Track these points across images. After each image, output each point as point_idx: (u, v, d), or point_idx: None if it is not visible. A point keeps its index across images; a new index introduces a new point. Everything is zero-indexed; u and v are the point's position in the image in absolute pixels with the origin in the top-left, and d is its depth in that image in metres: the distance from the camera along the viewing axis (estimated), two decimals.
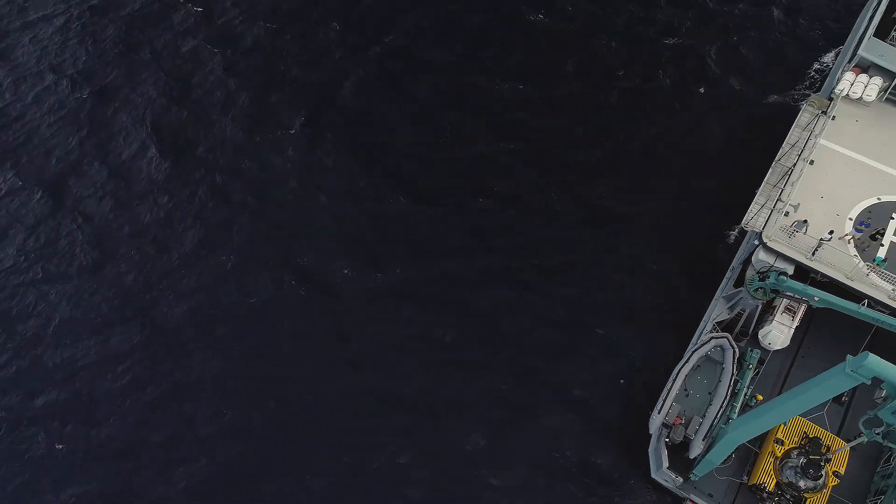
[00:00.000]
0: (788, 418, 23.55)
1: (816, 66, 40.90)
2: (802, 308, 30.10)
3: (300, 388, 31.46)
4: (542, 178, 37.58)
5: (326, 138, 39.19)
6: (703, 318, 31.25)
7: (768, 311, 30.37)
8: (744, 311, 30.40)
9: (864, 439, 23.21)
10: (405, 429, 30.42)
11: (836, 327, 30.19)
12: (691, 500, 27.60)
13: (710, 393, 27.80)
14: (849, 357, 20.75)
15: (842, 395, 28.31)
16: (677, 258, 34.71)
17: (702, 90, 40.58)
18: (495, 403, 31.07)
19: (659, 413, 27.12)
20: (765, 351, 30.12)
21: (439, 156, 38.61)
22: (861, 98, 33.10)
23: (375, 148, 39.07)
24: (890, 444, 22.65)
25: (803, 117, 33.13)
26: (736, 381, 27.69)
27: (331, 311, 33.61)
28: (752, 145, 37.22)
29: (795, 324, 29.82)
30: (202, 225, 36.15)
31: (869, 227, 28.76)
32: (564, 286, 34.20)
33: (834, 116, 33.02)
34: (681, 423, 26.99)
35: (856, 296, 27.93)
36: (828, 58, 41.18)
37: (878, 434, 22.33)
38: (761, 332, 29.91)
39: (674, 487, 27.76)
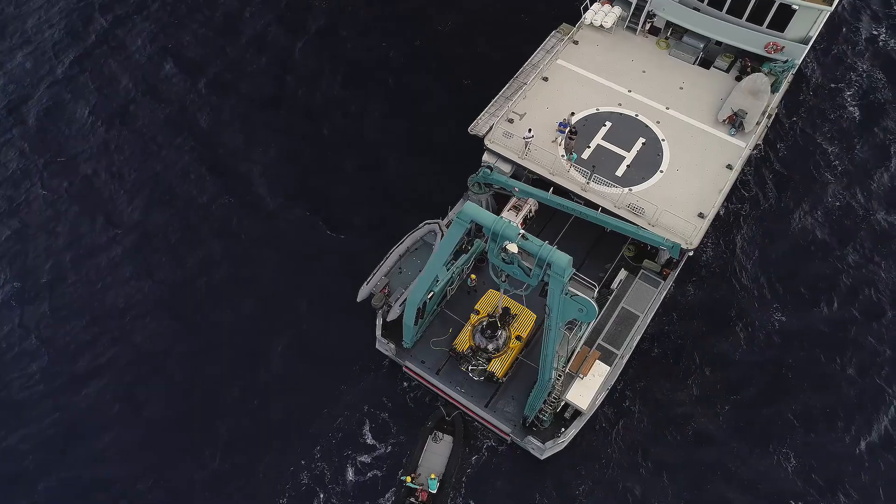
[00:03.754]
0: (434, 274, 26.85)
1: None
2: (527, 206, 33.90)
3: None
4: None
5: None
6: (448, 215, 34.63)
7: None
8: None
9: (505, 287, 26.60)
10: None
11: (569, 228, 34.00)
12: (406, 366, 31.23)
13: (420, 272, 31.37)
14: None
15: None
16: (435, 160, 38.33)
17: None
18: None
19: (367, 285, 30.74)
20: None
21: None
22: (601, 25, 36.79)
23: None
24: (514, 291, 26.23)
25: (550, 42, 36.84)
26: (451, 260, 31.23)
27: None
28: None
29: (519, 219, 33.58)
30: None
31: (566, 127, 32.35)
32: None
33: (577, 41, 36.75)
34: (384, 293, 30.63)
35: (563, 191, 31.84)
36: None
37: (504, 282, 25.86)
38: None
39: (392, 355, 31.41)
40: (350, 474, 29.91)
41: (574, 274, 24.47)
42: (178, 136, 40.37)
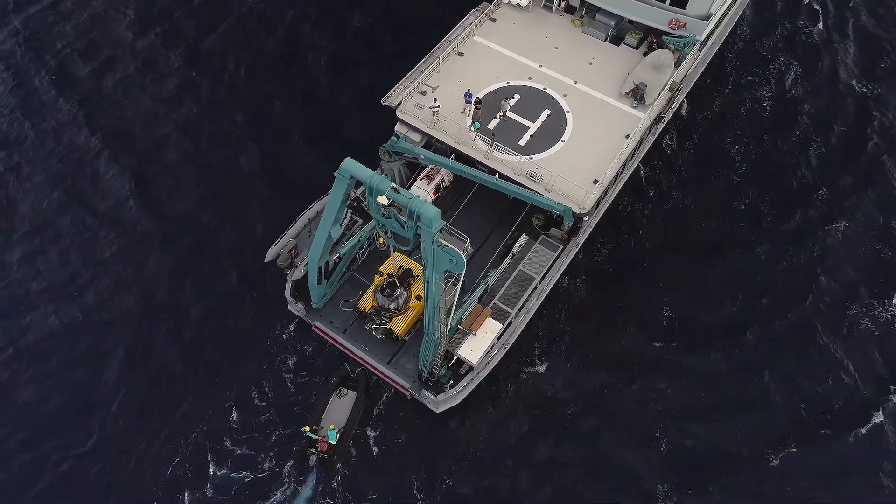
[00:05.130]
0: (326, 232, 28.06)
1: None
2: (439, 175, 35.23)
3: None
4: None
5: None
6: None
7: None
8: (389, 176, 35.34)
9: (391, 243, 27.89)
10: None
11: (485, 201, 35.27)
12: (315, 326, 32.53)
13: None
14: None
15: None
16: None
17: None
18: None
19: (275, 246, 32.04)
20: None
21: None
22: (518, 4, 38.10)
23: None
24: (400, 247, 27.53)
25: (468, 19, 38.12)
26: (354, 223, 32.58)
27: None
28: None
29: (431, 188, 34.95)
30: None
31: (471, 97, 33.64)
32: None
33: (494, 19, 38.08)
34: (291, 255, 31.95)
35: (468, 160, 33.15)
36: None
37: (390, 238, 27.17)
38: None
39: (303, 315, 32.71)
40: (258, 427, 31.22)
41: (446, 226, 25.66)
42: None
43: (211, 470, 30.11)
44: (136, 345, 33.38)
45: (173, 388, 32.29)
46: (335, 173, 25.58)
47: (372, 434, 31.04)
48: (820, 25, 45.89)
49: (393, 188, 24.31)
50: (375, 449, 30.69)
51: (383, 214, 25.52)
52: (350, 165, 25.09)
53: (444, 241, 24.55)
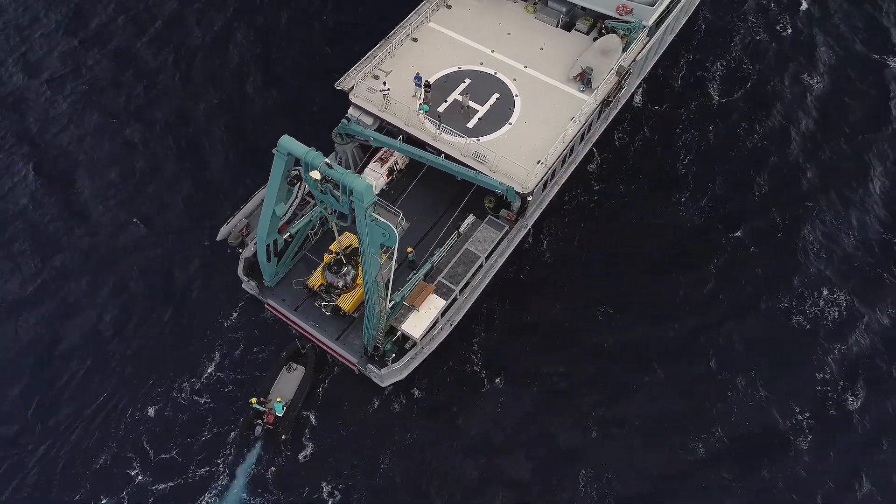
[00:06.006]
0: (269, 211, 28.85)
1: None
2: (393, 158, 36.05)
3: None
4: None
5: None
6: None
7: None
8: (342, 158, 36.19)
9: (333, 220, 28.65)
10: None
11: (439, 184, 36.02)
12: (268, 304, 33.39)
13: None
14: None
15: None
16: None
17: None
18: None
19: (227, 225, 32.87)
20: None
21: None
22: None
23: None
24: (341, 223, 28.30)
25: (424, 7, 38.86)
26: (307, 203, 33.36)
27: None
28: None
29: (384, 170, 35.79)
30: None
31: (421, 80, 34.42)
32: None
33: (450, 6, 38.88)
34: (242, 233, 32.80)
35: (419, 143, 33.97)
36: None
37: (332, 215, 27.92)
38: (363, 177, 35.70)
39: (256, 293, 33.55)
40: (209, 400, 32.02)
41: (378, 200, 26.47)
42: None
43: (157, 439, 31.03)
44: (94, 329, 34.34)
45: (132, 355, 33.40)
46: (273, 150, 26.40)
47: (318, 408, 31.86)
48: (778, 16, 46.43)
49: (326, 163, 25.14)
50: (321, 423, 31.49)
51: (321, 191, 26.37)
52: (287, 142, 25.91)
53: (376, 216, 25.37)
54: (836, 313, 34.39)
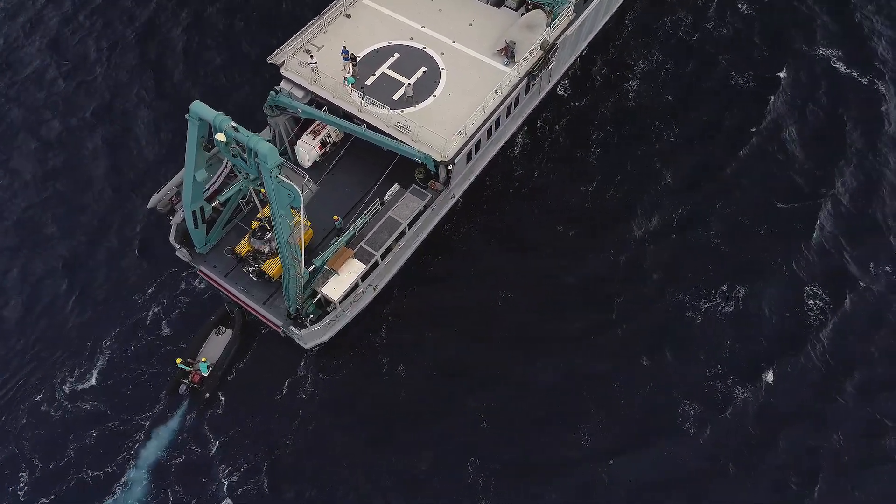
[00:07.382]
0: (190, 177, 29.76)
1: None
2: (325, 131, 37.09)
3: None
4: None
5: None
6: None
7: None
8: (275, 130, 37.23)
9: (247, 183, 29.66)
10: None
11: (371, 156, 37.02)
12: (200, 270, 34.49)
13: None
14: None
15: None
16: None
17: None
18: None
19: (158, 193, 33.94)
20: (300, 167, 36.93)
21: None
22: None
23: None
24: (255, 186, 29.38)
25: None
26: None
27: None
28: None
29: (317, 142, 36.84)
30: None
31: (347, 53, 35.48)
32: None
33: None
34: (171, 201, 33.90)
35: (346, 115, 35.02)
36: None
37: (246, 178, 29.03)
38: (296, 149, 36.90)
39: (188, 260, 34.65)
40: (140, 363, 33.27)
41: (284, 162, 27.51)
42: None
43: (92, 393, 32.49)
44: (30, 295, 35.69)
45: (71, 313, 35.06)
46: (186, 115, 27.46)
47: (246, 367, 33.07)
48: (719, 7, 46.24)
49: (232, 126, 26.19)
50: (244, 383, 32.72)
51: (233, 154, 27.46)
52: (197, 107, 26.95)
53: (282, 177, 26.44)
54: (732, 307, 34.48)
